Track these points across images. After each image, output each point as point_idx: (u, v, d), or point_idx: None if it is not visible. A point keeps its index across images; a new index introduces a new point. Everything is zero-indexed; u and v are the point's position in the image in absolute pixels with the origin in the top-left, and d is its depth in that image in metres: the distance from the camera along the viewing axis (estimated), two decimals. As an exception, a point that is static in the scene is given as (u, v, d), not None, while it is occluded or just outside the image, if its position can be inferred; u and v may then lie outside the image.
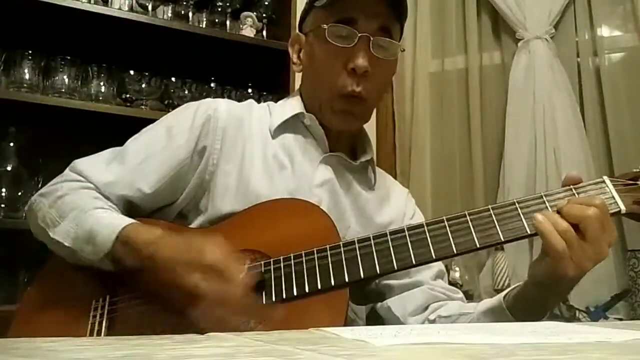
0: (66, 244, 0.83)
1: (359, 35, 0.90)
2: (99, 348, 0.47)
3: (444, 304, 0.96)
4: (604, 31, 2.20)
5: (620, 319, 1.90)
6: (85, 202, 0.86)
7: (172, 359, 0.41)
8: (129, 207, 0.91)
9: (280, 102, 1.03)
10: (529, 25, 2.19)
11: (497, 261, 2.03)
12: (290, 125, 0.97)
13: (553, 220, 0.73)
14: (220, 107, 0.95)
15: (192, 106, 0.97)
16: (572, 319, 1.90)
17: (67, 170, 0.93)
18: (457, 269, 2.09)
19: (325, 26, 0.92)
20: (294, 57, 1.02)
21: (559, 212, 0.75)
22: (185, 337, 0.52)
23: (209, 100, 0.98)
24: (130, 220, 0.83)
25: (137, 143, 0.95)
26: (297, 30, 1.04)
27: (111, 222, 0.82)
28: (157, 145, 0.93)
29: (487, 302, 0.89)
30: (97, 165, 0.92)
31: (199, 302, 0.71)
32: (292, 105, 0.99)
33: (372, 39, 0.91)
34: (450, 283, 1.05)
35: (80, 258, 0.83)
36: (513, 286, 0.86)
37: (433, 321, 0.94)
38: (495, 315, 0.86)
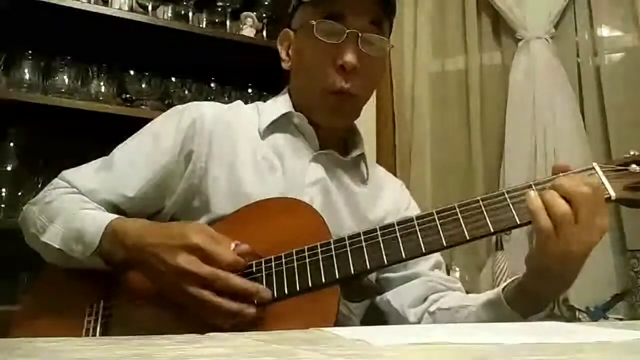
0: (56, 245, 0.84)
1: (347, 31, 0.90)
2: (99, 348, 0.47)
3: (443, 295, 0.96)
4: (604, 31, 2.20)
5: (620, 319, 1.90)
6: (73, 205, 0.88)
7: (172, 359, 0.41)
8: (117, 214, 0.91)
9: (269, 101, 1.03)
10: (529, 25, 2.19)
11: (497, 261, 2.03)
12: (279, 124, 0.97)
13: (545, 199, 0.72)
14: (207, 111, 0.95)
15: (177, 110, 0.98)
16: (572, 319, 1.90)
17: (55, 179, 0.95)
18: (457, 269, 2.09)
19: (313, 22, 0.91)
20: (283, 54, 1.02)
21: (552, 188, 0.73)
22: (185, 337, 0.52)
23: (195, 104, 0.98)
24: (116, 216, 0.84)
25: (123, 150, 0.95)
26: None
27: (97, 219, 0.83)
28: (142, 151, 0.93)
29: (486, 295, 0.89)
30: (85, 174, 0.93)
31: (186, 282, 0.73)
32: (280, 105, 0.99)
33: (360, 35, 0.90)
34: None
35: (71, 259, 0.84)
36: (514, 277, 0.86)
37: (433, 313, 0.93)
38: (493, 307, 0.85)
